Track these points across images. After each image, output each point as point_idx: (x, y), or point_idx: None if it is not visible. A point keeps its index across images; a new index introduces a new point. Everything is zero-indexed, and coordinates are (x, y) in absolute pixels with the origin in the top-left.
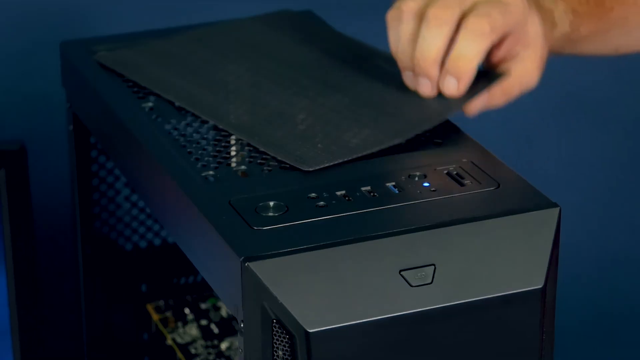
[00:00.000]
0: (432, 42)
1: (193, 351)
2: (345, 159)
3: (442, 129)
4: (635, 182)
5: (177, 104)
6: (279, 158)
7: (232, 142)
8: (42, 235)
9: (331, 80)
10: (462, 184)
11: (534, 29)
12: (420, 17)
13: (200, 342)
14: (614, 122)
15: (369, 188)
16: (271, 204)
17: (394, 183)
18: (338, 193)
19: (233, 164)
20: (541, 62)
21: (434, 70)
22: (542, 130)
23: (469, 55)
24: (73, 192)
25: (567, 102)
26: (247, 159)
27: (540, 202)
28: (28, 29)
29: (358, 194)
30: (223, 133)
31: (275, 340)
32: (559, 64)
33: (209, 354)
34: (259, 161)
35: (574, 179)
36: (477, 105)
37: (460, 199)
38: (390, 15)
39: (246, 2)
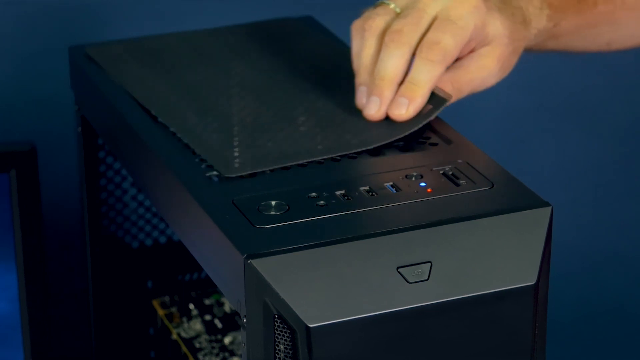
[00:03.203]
0: (390, 63)
1: (197, 345)
2: (273, 167)
3: (438, 130)
4: (625, 181)
5: (138, 100)
6: (205, 159)
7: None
8: (51, 234)
9: (289, 92)
10: (457, 184)
11: (494, 29)
12: (382, 37)
13: (204, 337)
14: (605, 124)
15: (367, 188)
16: (273, 203)
17: (391, 183)
18: (337, 193)
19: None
20: (500, 59)
21: (388, 92)
22: (535, 132)
23: (423, 82)
24: (81, 191)
25: (559, 105)
26: None
27: (533, 202)
28: (38, 33)
29: (357, 193)
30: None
31: (276, 335)
32: (554, 67)
33: (213, 348)
34: None
35: (566, 179)
36: None
37: (455, 199)
38: (355, 27)
39: (252, 10)
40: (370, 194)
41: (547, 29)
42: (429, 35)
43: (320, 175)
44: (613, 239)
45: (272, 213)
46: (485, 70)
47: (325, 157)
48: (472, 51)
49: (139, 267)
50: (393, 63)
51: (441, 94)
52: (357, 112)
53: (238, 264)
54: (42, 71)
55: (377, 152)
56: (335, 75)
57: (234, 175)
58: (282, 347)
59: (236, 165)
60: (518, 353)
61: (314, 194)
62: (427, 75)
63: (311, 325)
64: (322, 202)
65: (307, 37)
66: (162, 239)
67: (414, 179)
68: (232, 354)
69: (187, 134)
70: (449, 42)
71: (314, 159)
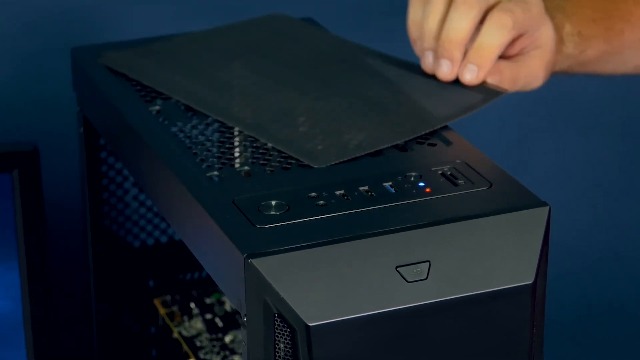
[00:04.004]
0: (460, 24)
1: (198, 344)
2: (352, 156)
3: (437, 131)
4: (623, 182)
5: (192, 106)
6: (290, 154)
7: (236, 143)
8: (53, 233)
9: (331, 82)
10: (456, 184)
11: (547, 32)
12: (448, 5)
13: (205, 336)
14: (603, 124)
15: (366, 188)
16: (273, 203)
17: (390, 183)
18: (337, 192)
19: (237, 165)
20: (547, 65)
21: (457, 53)
22: (533, 132)
23: (491, 46)
24: (83, 191)
25: (557, 105)
26: (250, 160)
27: (531, 201)
28: (41, 35)
29: (356, 193)
30: (227, 135)
31: (277, 334)
32: None
33: (214, 346)
34: (261, 162)
35: (563, 179)
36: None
37: (454, 198)
38: None
39: (252, 10)
40: (370, 194)
41: (573, 55)
42: (501, 4)
43: (320, 175)
44: (612, 239)
45: (272, 213)
46: (536, 71)
47: (397, 142)
48: (522, 52)
49: (140, 267)
50: (463, 24)
51: (494, 87)
52: (404, 98)
53: (238, 264)
54: (44, 72)
55: (376, 152)
56: (363, 64)
57: (324, 166)
58: (282, 345)
59: (323, 155)
60: (516, 352)
61: (313, 194)
62: (496, 40)
63: (311, 324)
64: (321, 202)
65: (313, 31)
66: (164, 239)
67: (412, 179)
68: (233, 352)
69: (258, 130)
70: (519, 13)
71: (391, 144)
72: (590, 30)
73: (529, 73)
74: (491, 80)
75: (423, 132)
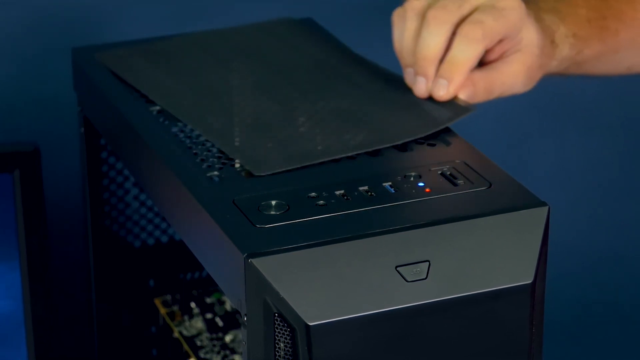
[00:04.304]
0: (431, 41)
1: (199, 343)
2: (296, 166)
3: (436, 131)
4: (623, 182)
5: (157, 103)
6: (236, 160)
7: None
8: (54, 233)
9: (328, 85)
10: (455, 184)
11: (529, 36)
12: (423, 17)
13: (206, 335)
14: (603, 124)
15: (366, 188)
16: (273, 203)
17: (390, 183)
18: (337, 192)
19: (237, 165)
20: (530, 69)
21: (430, 70)
22: (532, 132)
23: (461, 60)
24: (84, 191)
25: (557, 105)
26: None
27: (530, 201)
28: (42, 36)
29: (356, 193)
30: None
31: (277, 333)
32: None
33: (214, 346)
34: None
35: (563, 179)
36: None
37: (453, 198)
38: (396, 14)
39: (253, 11)
40: (369, 193)
41: (569, 56)
42: (472, 16)
43: (320, 175)
44: (611, 239)
45: (272, 213)
46: (515, 76)
47: (347, 155)
48: (503, 56)
49: (141, 266)
50: (434, 41)
51: (464, 104)
52: (394, 104)
53: (239, 263)
54: (45, 72)
55: (375, 152)
56: (346, 74)
57: (264, 174)
58: (282, 345)
59: (266, 163)
60: (515, 351)
61: (313, 193)
62: (466, 54)
63: (311, 324)
64: (321, 202)
65: (311, 37)
66: (164, 239)
67: (412, 179)
68: (233, 352)
69: (213, 134)
70: (490, 23)
71: (339, 156)
72: (586, 31)
73: (506, 80)
74: (464, 93)
75: (373, 149)
